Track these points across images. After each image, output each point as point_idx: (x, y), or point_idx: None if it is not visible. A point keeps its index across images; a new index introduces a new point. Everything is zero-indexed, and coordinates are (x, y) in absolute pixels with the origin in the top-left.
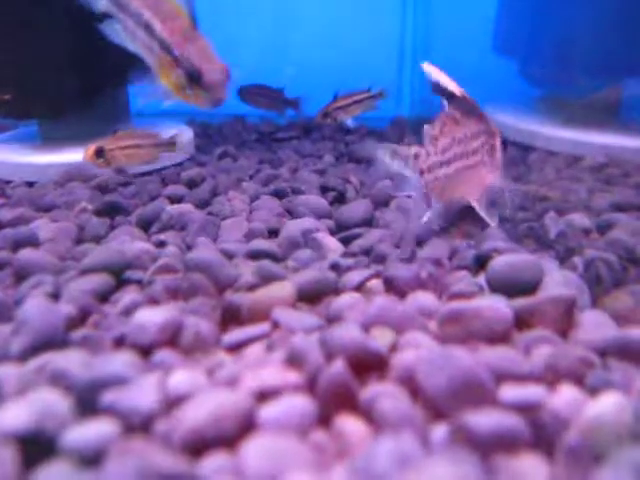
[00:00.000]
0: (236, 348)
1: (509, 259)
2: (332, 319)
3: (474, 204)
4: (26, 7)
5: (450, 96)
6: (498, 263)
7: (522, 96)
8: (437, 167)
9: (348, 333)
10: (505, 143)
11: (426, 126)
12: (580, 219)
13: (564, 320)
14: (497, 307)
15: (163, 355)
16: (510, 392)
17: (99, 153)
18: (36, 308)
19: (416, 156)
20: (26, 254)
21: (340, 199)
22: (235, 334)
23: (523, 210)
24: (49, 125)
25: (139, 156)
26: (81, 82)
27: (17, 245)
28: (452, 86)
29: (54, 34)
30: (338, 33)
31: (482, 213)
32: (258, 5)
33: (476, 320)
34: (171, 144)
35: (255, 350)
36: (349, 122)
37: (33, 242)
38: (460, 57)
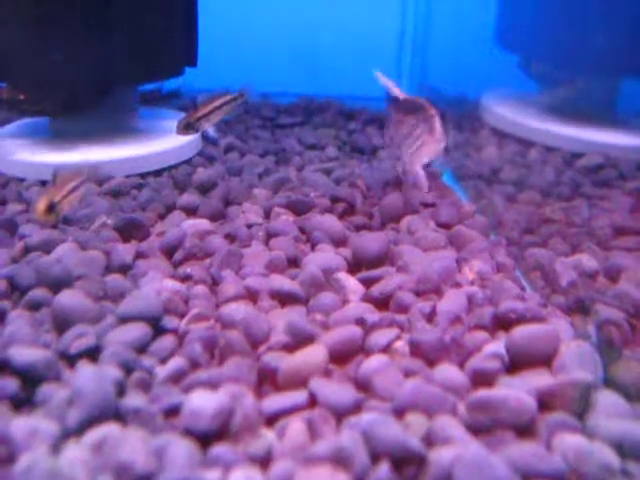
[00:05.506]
0: (276, 418)
1: (528, 331)
2: (362, 385)
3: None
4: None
5: (395, 99)
6: (517, 335)
7: (523, 89)
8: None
9: (390, 431)
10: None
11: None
12: (587, 261)
13: (582, 403)
14: (522, 398)
15: (219, 450)
16: None
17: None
18: (89, 378)
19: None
20: (64, 299)
21: (350, 211)
22: (273, 402)
23: (529, 233)
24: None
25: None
26: (95, 78)
27: (53, 285)
28: (396, 91)
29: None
30: (339, 18)
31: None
32: None
33: (502, 410)
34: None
35: (296, 428)
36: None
37: (67, 282)
38: (460, 47)
